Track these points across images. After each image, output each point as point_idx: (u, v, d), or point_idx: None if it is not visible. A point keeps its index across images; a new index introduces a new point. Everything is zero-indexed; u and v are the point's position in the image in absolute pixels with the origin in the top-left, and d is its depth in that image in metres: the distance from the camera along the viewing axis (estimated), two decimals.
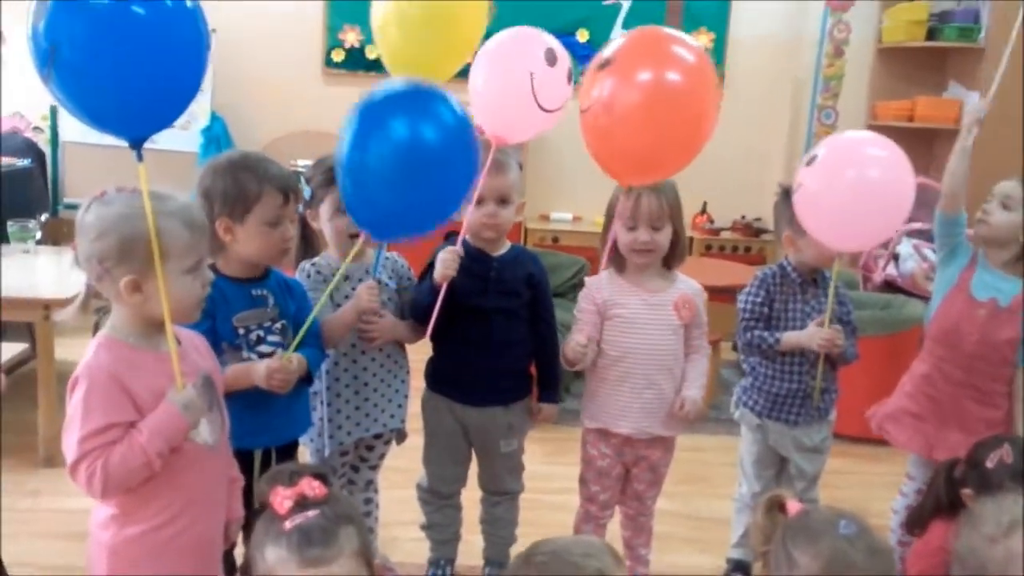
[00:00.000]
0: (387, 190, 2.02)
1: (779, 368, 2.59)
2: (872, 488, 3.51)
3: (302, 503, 1.44)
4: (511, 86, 2.33)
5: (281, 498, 1.45)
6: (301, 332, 2.10)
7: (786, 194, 2.48)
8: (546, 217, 5.89)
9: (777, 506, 1.68)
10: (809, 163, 2.34)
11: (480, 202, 2.36)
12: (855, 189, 2.25)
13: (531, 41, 2.38)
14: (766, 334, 2.55)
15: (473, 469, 2.63)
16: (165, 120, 1.68)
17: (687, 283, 2.53)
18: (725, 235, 5.88)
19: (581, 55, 5.87)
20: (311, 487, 1.47)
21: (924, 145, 5.53)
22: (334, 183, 2.19)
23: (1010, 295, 2.58)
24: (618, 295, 2.45)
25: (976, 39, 5.28)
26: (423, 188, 2.03)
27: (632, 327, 2.44)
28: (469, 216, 2.36)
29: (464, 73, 2.43)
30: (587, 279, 2.55)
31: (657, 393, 2.45)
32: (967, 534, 1.75)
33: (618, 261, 2.47)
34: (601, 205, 2.50)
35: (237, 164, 2.08)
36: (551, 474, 3.08)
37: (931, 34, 5.44)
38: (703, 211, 5.90)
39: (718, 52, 5.87)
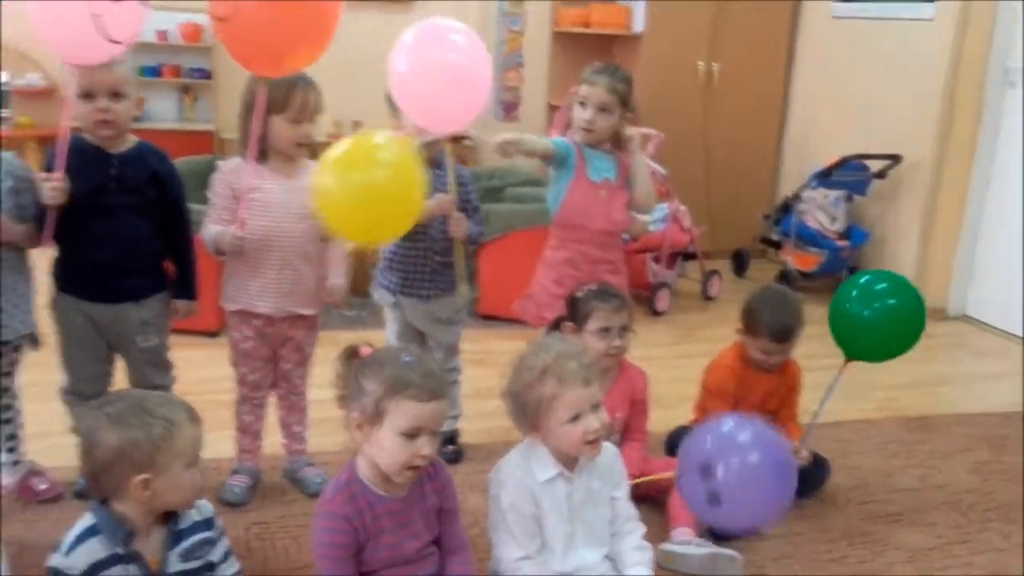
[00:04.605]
0: None
1: (409, 248, 2.79)
2: None
3: None
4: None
5: None
6: None
7: None
8: None
9: (352, 353, 1.87)
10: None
11: (89, 96, 2.33)
12: (436, 72, 2.44)
13: None
14: None
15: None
16: None
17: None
18: None
19: None
20: None
21: (604, 50, 5.92)
22: None
23: (616, 172, 2.92)
24: (256, 180, 2.52)
25: None
26: None
27: (271, 210, 2.54)
28: (79, 111, 2.33)
29: None
30: (221, 163, 2.61)
31: (295, 274, 2.59)
32: (513, 379, 2.03)
33: (260, 151, 2.52)
34: None
35: None
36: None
37: None
38: None
39: None
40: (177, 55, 5.98)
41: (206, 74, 6.02)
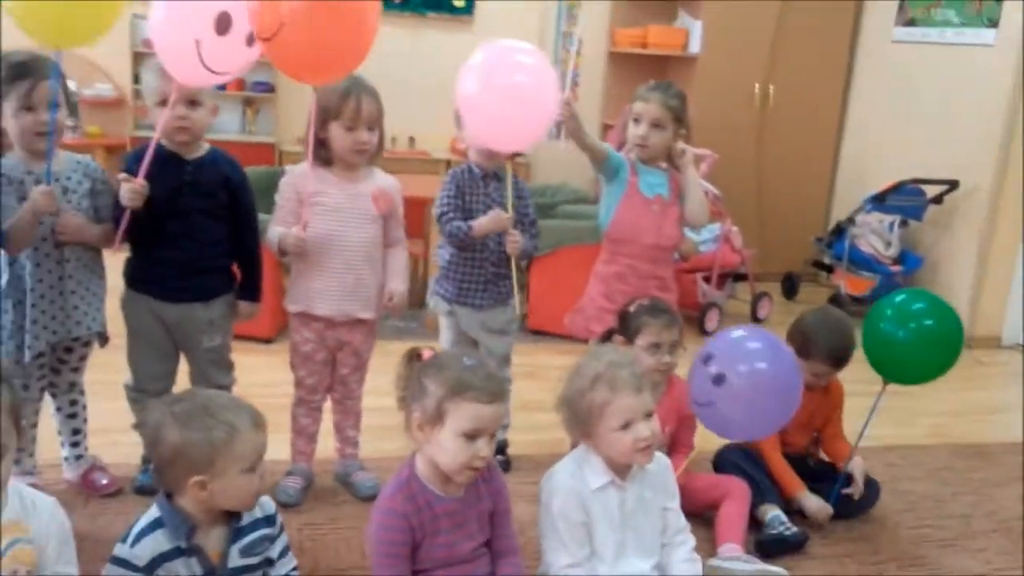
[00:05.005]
0: None
1: (465, 258, 2.85)
2: None
3: None
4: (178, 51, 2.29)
5: None
6: None
7: None
8: None
9: (415, 356, 1.92)
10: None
11: (167, 104, 2.41)
12: (505, 93, 2.47)
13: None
14: (462, 224, 2.79)
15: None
16: None
17: (384, 178, 2.74)
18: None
19: None
20: None
21: (659, 71, 5.96)
22: (19, 79, 2.25)
23: (668, 188, 2.96)
24: (321, 184, 2.60)
25: None
26: None
27: (334, 215, 2.61)
28: (160, 119, 2.43)
29: None
30: (289, 167, 2.71)
31: (356, 278, 2.66)
32: (567, 386, 2.07)
33: (324, 157, 2.62)
34: None
35: None
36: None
37: None
38: None
39: None
40: None
41: (269, 88, 6.17)
